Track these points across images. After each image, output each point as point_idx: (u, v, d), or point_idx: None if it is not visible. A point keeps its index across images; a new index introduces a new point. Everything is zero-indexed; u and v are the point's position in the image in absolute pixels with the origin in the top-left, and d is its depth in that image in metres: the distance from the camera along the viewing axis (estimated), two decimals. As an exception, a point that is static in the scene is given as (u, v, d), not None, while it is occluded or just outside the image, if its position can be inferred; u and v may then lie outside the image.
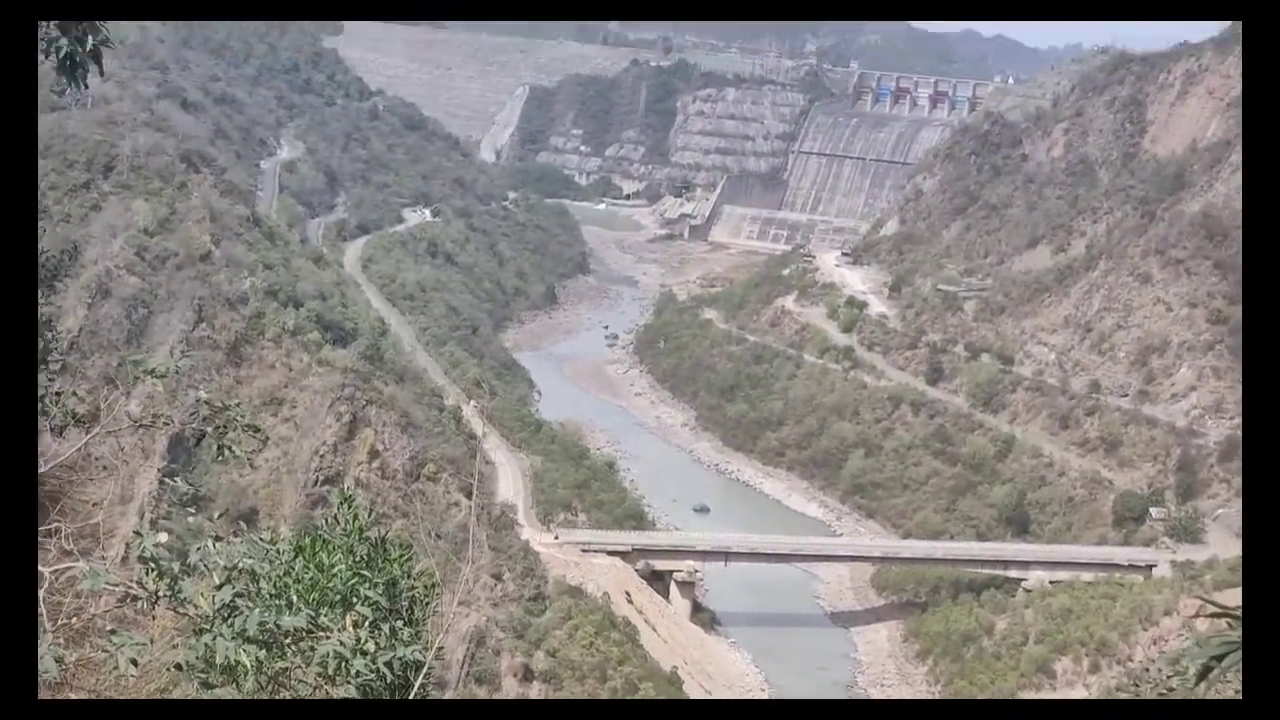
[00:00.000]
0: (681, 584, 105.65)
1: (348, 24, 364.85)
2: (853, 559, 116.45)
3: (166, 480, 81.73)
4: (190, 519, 74.78)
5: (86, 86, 11.22)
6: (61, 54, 10.61)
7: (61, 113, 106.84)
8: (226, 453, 11.87)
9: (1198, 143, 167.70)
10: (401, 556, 10.47)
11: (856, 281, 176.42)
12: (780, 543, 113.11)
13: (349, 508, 10.65)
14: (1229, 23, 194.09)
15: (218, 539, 10.38)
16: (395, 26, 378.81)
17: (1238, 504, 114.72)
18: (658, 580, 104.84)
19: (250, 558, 9.82)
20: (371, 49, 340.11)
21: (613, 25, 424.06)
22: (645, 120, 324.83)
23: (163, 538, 10.15)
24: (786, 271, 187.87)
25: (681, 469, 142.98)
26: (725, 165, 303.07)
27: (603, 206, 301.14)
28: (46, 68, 10.46)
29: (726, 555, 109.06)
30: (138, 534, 9.84)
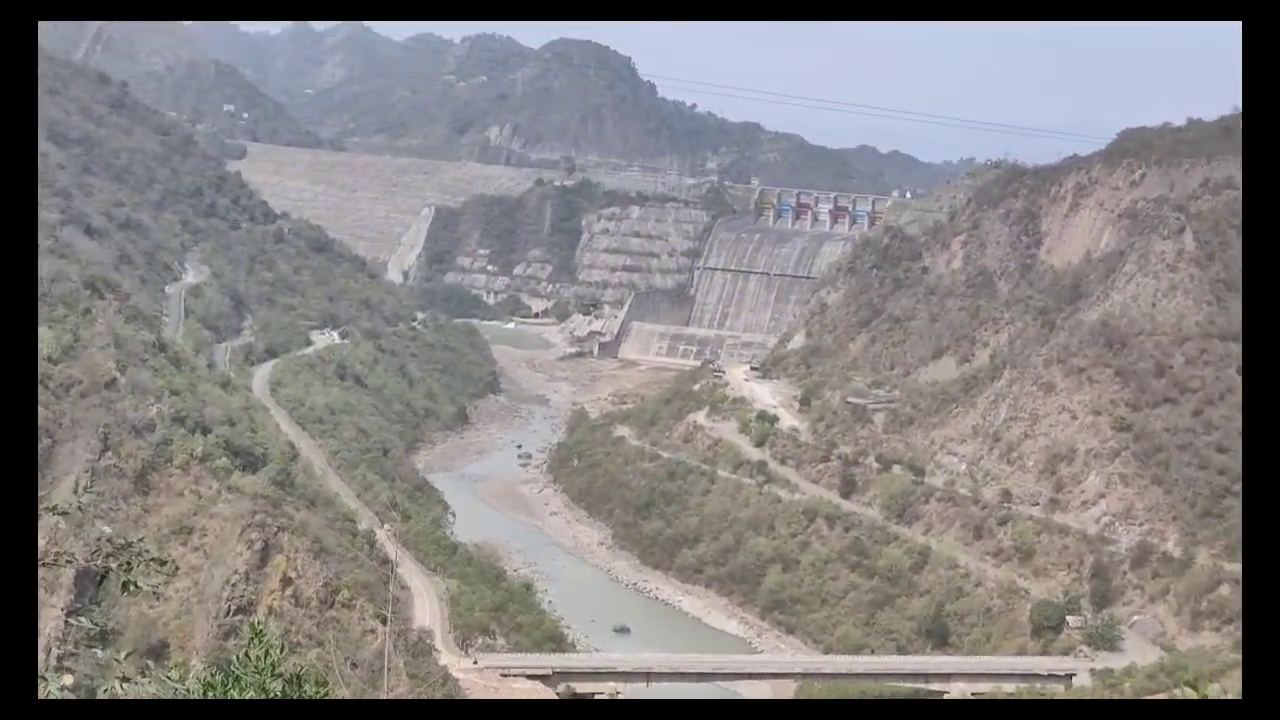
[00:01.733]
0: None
1: (250, 147, 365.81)
2: (775, 675, 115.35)
3: (72, 618, 79.93)
4: (99, 654, 72.21)
5: None
6: None
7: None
8: (132, 588, 11.61)
9: (1091, 253, 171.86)
10: (317, 692, 10.15)
11: (766, 395, 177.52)
12: (702, 661, 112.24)
13: (260, 641, 10.31)
14: (1116, 135, 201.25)
15: (125, 679, 10.01)
16: (297, 150, 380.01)
17: (1152, 610, 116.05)
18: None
19: (160, 697, 9.54)
20: (275, 172, 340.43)
21: (515, 145, 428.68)
22: (551, 239, 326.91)
23: (67, 680, 9.79)
24: (697, 387, 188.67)
25: (600, 589, 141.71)
26: (632, 282, 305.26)
27: (512, 325, 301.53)
28: None
29: (648, 675, 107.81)
30: (43, 679, 9.52)
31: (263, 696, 9.75)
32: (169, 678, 10.10)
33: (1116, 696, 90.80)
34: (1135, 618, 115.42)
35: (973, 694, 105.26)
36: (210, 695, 9.62)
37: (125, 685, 9.84)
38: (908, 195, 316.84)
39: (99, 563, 11.68)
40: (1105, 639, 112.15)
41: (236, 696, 9.61)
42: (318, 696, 10.18)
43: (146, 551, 11.77)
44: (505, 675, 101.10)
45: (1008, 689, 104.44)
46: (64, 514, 12.41)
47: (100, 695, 9.56)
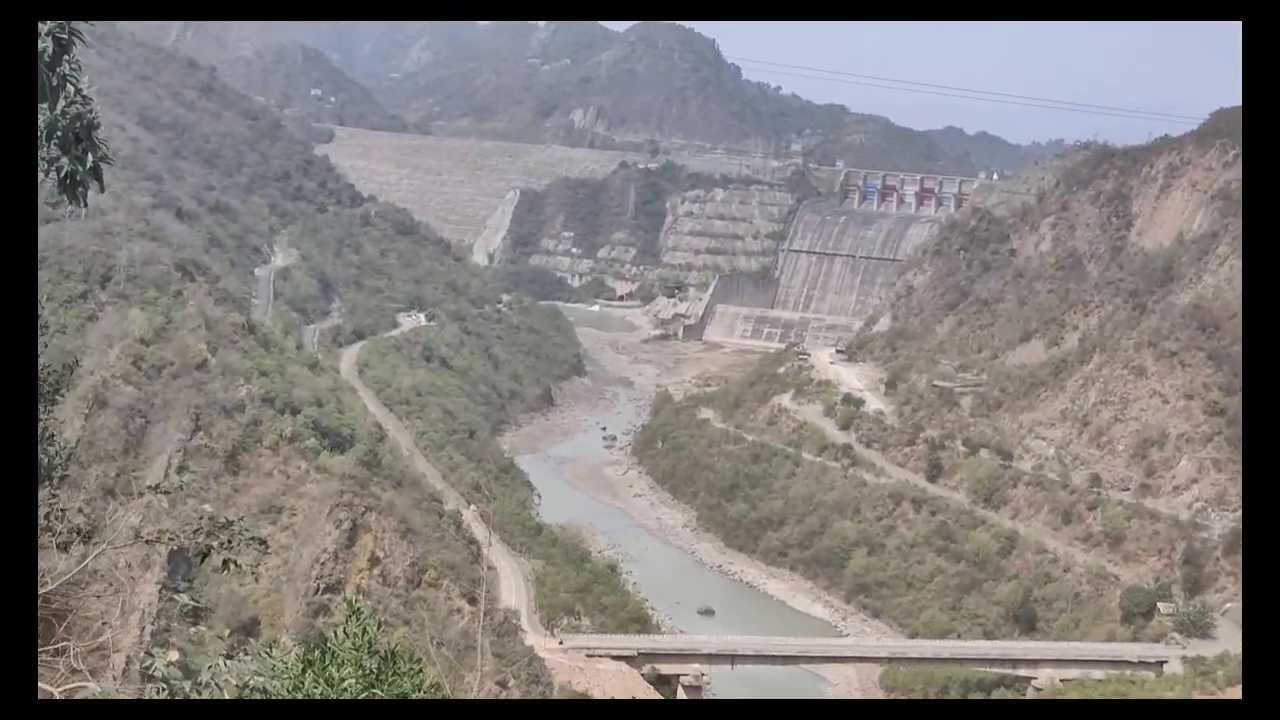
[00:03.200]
0: (688, 688, 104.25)
1: (337, 131, 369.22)
2: (859, 660, 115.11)
3: (168, 593, 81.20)
4: (192, 631, 73.36)
5: (87, 204, 11.16)
6: (63, 173, 10.54)
7: (57, 224, 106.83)
8: (233, 566, 11.74)
9: (1184, 235, 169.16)
10: (411, 670, 10.19)
11: (852, 378, 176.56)
12: (786, 644, 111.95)
13: (357, 619, 10.35)
14: (1208, 115, 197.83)
15: (228, 656, 10.08)
16: (384, 134, 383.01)
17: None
18: (664, 684, 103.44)
19: (260, 675, 9.63)
20: (361, 155, 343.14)
21: (599, 128, 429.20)
22: (635, 222, 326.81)
23: (173, 656, 9.87)
24: (781, 370, 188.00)
25: (684, 571, 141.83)
26: (716, 265, 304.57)
27: (596, 308, 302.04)
28: (48, 186, 10.35)
29: (733, 658, 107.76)
30: (149, 654, 9.59)
31: (360, 673, 9.81)
32: (267, 653, 10.20)
33: (1210, 684, 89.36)
34: (1228, 605, 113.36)
35: (1061, 680, 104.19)
36: (310, 671, 9.69)
37: (228, 663, 9.95)
38: (995, 177, 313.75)
39: (201, 541, 11.83)
40: (1197, 626, 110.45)
41: (335, 672, 9.67)
42: (412, 673, 10.24)
43: (247, 530, 11.93)
44: (590, 656, 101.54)
45: (1096, 675, 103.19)
46: (166, 493, 12.65)
47: (204, 672, 9.65)
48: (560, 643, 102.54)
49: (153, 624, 77.81)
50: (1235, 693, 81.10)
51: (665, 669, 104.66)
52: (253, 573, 12.51)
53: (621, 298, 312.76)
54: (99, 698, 9.28)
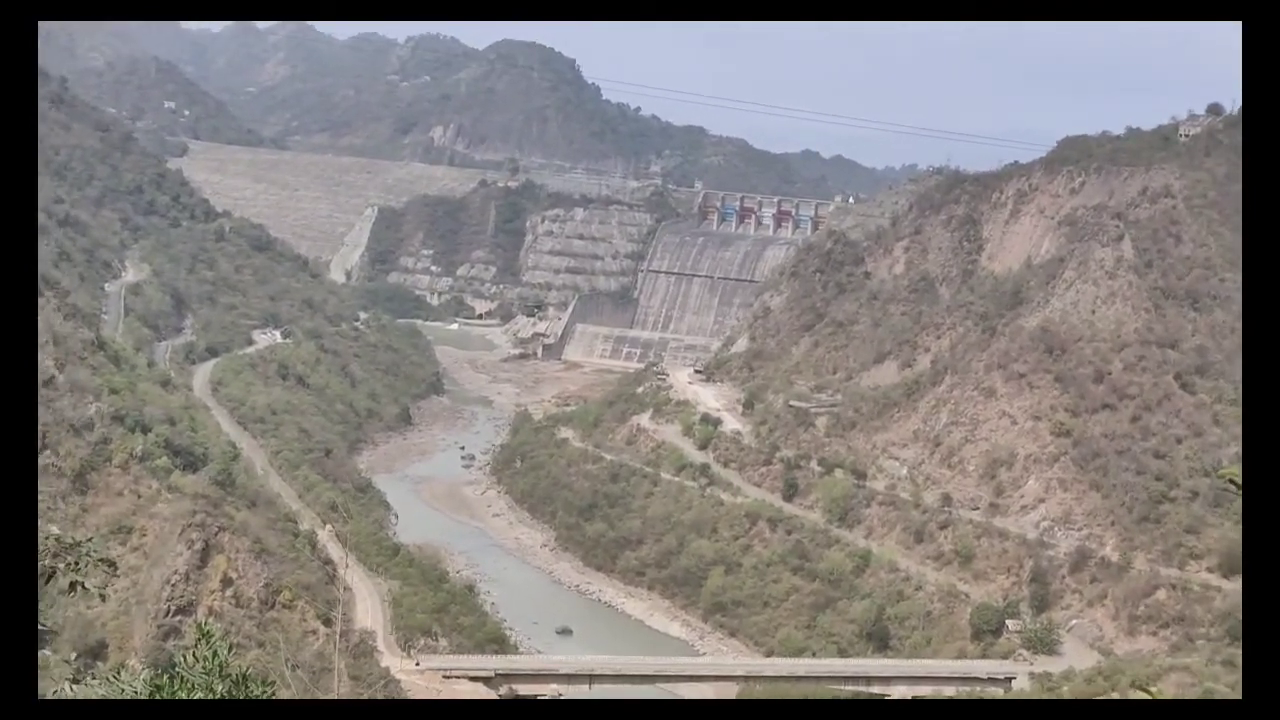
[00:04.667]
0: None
1: (191, 144, 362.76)
2: (717, 679, 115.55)
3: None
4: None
5: None
6: None
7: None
8: (80, 589, 11.58)
9: (1032, 259, 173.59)
10: (263, 693, 10.19)
11: (710, 398, 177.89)
12: (644, 663, 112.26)
13: (208, 642, 10.32)
14: (1056, 143, 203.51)
15: (74, 681, 10.01)
16: (239, 149, 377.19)
17: (1090, 614, 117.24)
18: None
19: (159, 699, 9.55)
20: (216, 170, 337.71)
21: (459, 146, 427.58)
22: (495, 240, 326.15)
23: None
24: (640, 389, 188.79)
25: (542, 590, 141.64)
26: (576, 284, 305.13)
27: (455, 326, 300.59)
28: None
29: (590, 678, 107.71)
30: None
31: (210, 697, 9.75)
32: (113, 678, 10.09)
33: (1054, 699, 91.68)
34: (1073, 622, 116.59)
35: (913, 697, 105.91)
36: (158, 696, 9.61)
37: (73, 687, 9.83)
38: (850, 200, 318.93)
39: (46, 562, 11.63)
40: (1044, 643, 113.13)
41: (184, 697, 9.60)
42: (264, 697, 10.20)
43: (95, 551, 11.74)
44: (447, 677, 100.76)
45: (948, 692, 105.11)
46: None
47: (49, 696, 9.53)
48: (417, 664, 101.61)
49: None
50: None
51: (522, 689, 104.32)
52: (101, 594, 12.31)
53: (481, 316, 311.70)
54: (99, 698, 9.19)
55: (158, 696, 9.51)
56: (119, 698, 9.26)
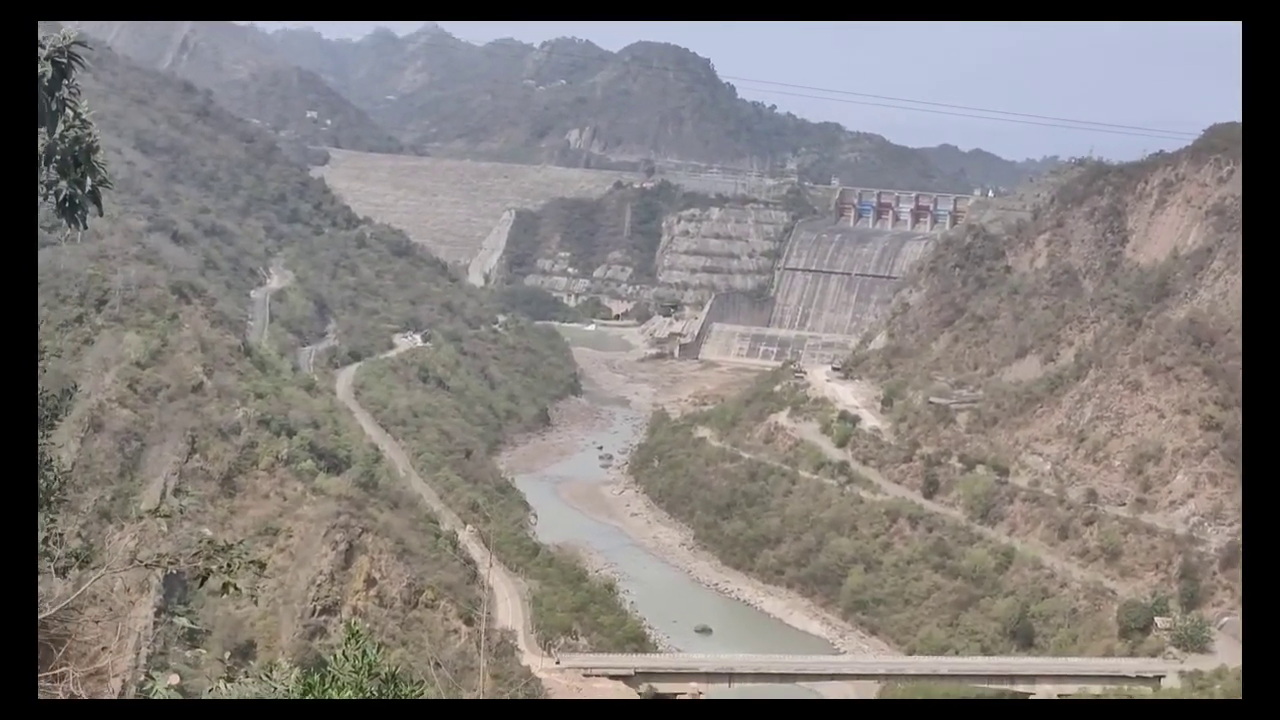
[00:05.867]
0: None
1: (332, 153, 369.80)
2: (858, 677, 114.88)
3: (165, 616, 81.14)
4: (189, 654, 73.18)
5: (86, 227, 11.26)
6: (61, 197, 10.65)
7: (53, 248, 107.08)
8: (232, 589, 11.76)
9: (1179, 250, 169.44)
10: (412, 692, 10.24)
11: (848, 396, 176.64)
12: (784, 662, 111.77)
13: (356, 642, 10.39)
14: (1202, 131, 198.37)
15: (229, 679, 10.14)
16: (379, 156, 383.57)
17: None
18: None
19: (261, 698, 9.63)
20: (357, 177, 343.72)
21: (594, 148, 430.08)
22: (631, 241, 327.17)
23: (173, 679, 9.92)
24: (778, 388, 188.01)
25: (681, 589, 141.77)
26: (712, 283, 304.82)
27: (592, 327, 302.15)
28: (46, 209, 10.49)
29: (730, 676, 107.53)
30: (150, 677, 9.64)
31: (359, 695, 9.87)
32: (265, 676, 10.23)
33: (1205, 698, 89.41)
34: (1225, 619, 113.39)
35: (1059, 695, 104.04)
36: (310, 695, 9.74)
37: (228, 686, 10.00)
38: (990, 194, 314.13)
39: (200, 564, 11.88)
40: (1194, 640, 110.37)
41: (335, 696, 9.73)
42: (413, 696, 10.29)
43: (245, 553, 11.98)
44: (587, 675, 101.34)
45: (1094, 690, 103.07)
46: (164, 516, 12.70)
47: (205, 695, 9.70)
48: (557, 662, 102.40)
49: (150, 647, 77.77)
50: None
51: (662, 688, 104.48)
52: (250, 595, 12.57)
53: (618, 317, 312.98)
54: (98, 699, 9.41)
55: (309, 695, 9.63)
56: (119, 698, 9.39)
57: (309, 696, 9.69)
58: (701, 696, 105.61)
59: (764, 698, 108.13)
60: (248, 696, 9.67)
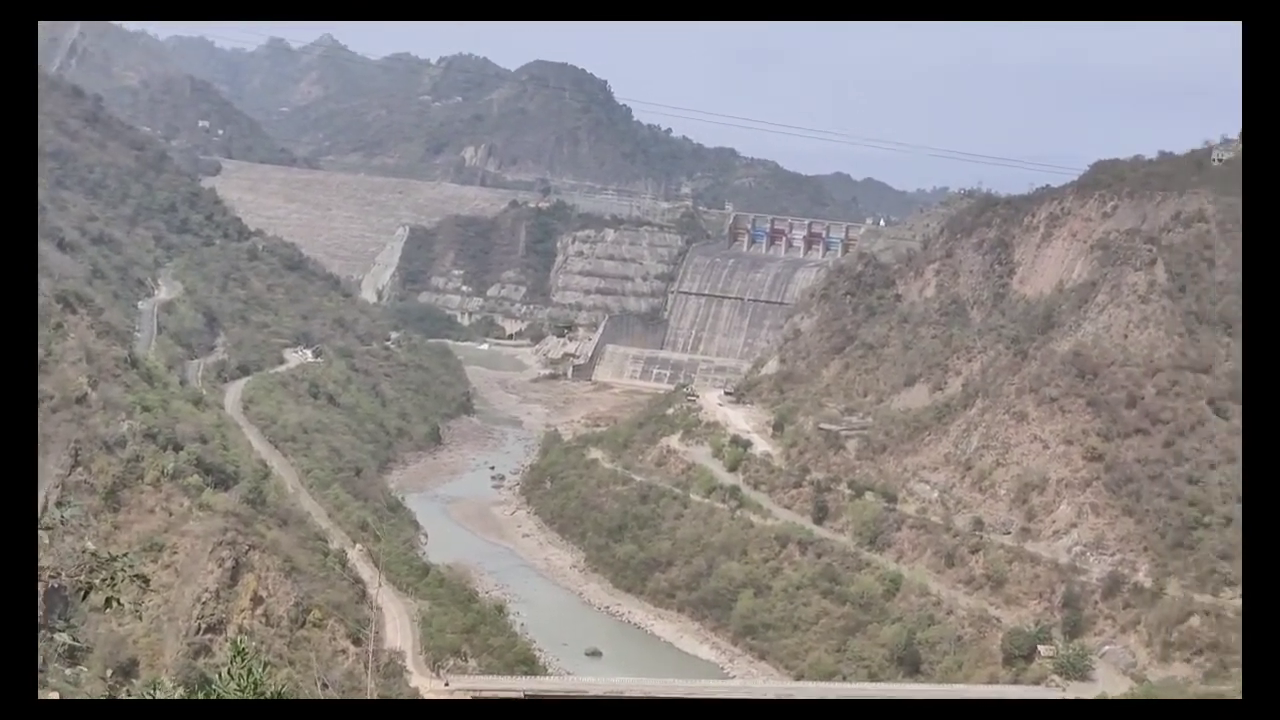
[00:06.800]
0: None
1: (224, 163, 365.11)
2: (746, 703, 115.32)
3: (45, 632, 79.27)
4: (69, 672, 71.34)
5: None
6: None
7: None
8: (115, 604, 11.54)
9: (1064, 283, 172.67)
10: (294, 710, 10.11)
11: (740, 420, 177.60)
12: (673, 686, 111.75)
13: (242, 660, 10.27)
14: (1088, 166, 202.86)
15: (110, 697, 10.00)
16: (272, 168, 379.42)
17: (1123, 640, 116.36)
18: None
19: (262, 698, 9.54)
20: (249, 189, 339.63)
21: (490, 166, 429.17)
22: (526, 260, 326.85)
23: (53, 696, 9.77)
24: (670, 411, 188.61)
25: (572, 611, 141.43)
26: (606, 305, 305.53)
27: (485, 347, 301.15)
28: None
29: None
30: None
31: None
32: (150, 694, 10.06)
33: (1054, 699, 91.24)
34: (1106, 648, 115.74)
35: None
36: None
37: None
38: (881, 223, 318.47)
39: (83, 578, 11.59)
40: (1076, 668, 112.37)
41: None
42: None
43: (130, 567, 11.71)
44: (476, 698, 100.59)
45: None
46: (49, 528, 12.38)
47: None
48: (446, 684, 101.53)
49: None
50: None
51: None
52: (134, 611, 12.35)
53: (511, 336, 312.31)
54: (98, 698, 9.21)
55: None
56: (120, 698, 9.26)
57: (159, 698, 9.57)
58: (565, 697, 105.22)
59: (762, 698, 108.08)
60: (93, 698, 9.52)
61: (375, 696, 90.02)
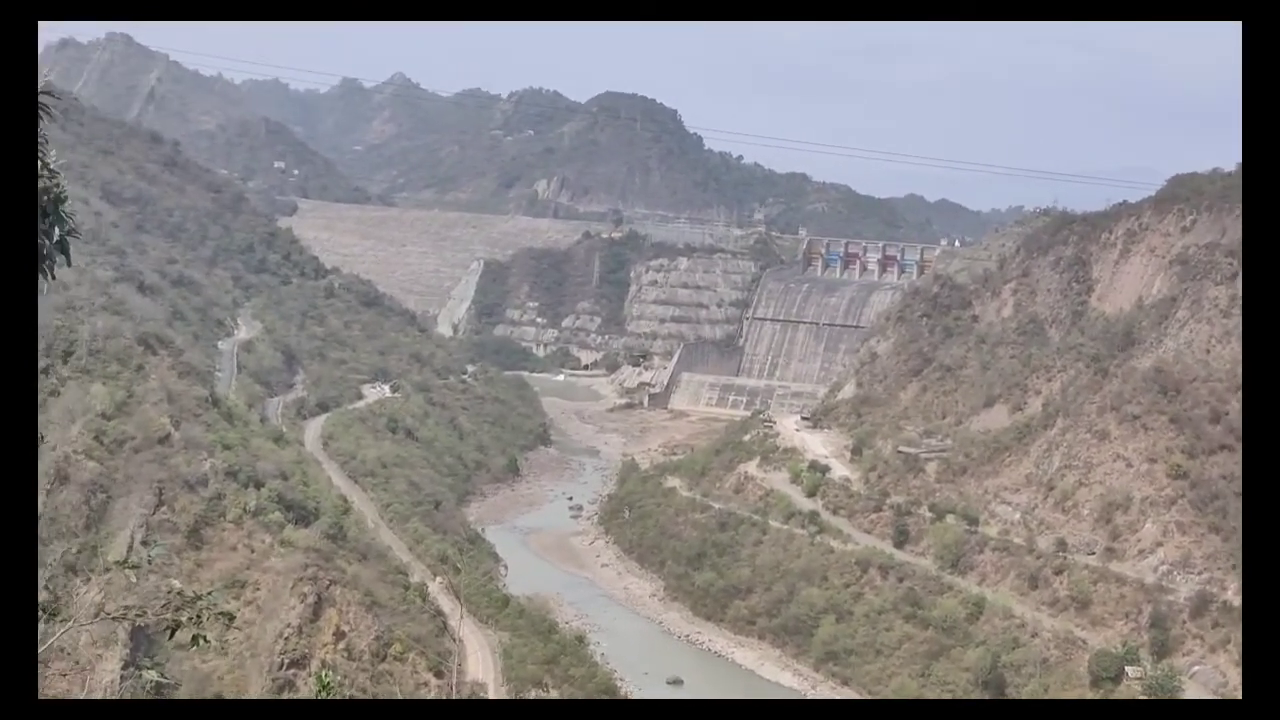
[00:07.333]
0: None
1: (300, 203, 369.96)
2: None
3: (132, 670, 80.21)
4: (155, 710, 72.22)
5: (54, 278, 11.18)
6: None
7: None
8: (201, 641, 11.56)
9: (1143, 299, 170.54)
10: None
11: (817, 445, 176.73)
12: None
13: (327, 695, 10.25)
14: (1165, 181, 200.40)
15: (112, 700, 10.00)
16: (347, 206, 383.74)
17: (1213, 660, 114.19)
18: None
19: (263, 698, 9.51)
20: (325, 227, 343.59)
21: (562, 198, 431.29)
22: (599, 291, 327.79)
23: None
24: (747, 437, 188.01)
25: (652, 640, 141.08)
26: (681, 333, 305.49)
27: (561, 377, 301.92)
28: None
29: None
30: None
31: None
32: None
33: (1054, 699, 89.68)
34: (1196, 668, 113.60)
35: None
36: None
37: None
38: (956, 244, 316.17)
39: (168, 616, 11.67)
40: (1165, 689, 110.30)
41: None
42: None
43: (215, 605, 11.78)
44: (477, 697, 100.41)
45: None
46: (134, 567, 12.51)
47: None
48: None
49: (115, 702, 76.79)
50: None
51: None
52: (220, 647, 12.37)
53: (587, 367, 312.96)
54: (98, 698, 9.25)
55: None
56: (119, 699, 9.26)
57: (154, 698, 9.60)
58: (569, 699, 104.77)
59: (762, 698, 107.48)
60: (93, 698, 9.55)
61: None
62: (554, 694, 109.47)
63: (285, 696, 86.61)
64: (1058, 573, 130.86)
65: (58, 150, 11.00)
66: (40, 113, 10.20)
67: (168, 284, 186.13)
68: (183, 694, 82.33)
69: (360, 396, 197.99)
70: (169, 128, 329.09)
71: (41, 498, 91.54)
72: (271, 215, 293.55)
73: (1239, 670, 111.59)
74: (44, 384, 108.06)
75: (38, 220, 9.48)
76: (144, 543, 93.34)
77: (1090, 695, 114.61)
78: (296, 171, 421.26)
